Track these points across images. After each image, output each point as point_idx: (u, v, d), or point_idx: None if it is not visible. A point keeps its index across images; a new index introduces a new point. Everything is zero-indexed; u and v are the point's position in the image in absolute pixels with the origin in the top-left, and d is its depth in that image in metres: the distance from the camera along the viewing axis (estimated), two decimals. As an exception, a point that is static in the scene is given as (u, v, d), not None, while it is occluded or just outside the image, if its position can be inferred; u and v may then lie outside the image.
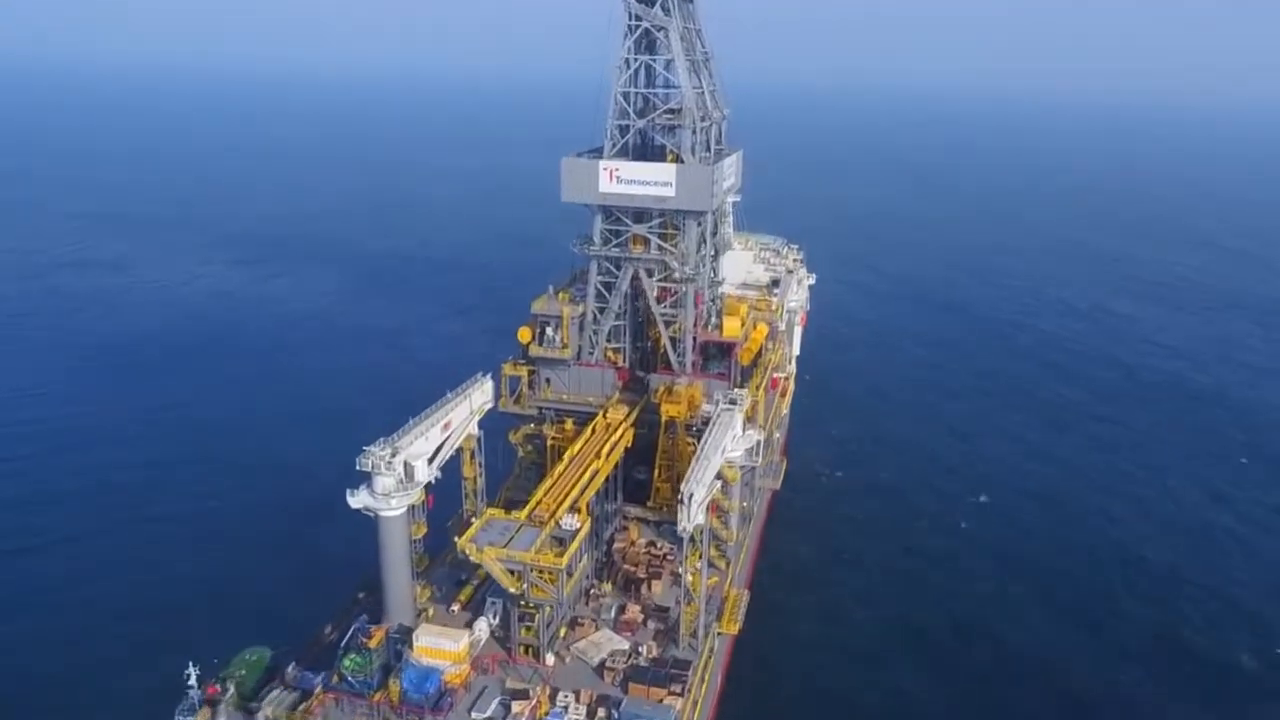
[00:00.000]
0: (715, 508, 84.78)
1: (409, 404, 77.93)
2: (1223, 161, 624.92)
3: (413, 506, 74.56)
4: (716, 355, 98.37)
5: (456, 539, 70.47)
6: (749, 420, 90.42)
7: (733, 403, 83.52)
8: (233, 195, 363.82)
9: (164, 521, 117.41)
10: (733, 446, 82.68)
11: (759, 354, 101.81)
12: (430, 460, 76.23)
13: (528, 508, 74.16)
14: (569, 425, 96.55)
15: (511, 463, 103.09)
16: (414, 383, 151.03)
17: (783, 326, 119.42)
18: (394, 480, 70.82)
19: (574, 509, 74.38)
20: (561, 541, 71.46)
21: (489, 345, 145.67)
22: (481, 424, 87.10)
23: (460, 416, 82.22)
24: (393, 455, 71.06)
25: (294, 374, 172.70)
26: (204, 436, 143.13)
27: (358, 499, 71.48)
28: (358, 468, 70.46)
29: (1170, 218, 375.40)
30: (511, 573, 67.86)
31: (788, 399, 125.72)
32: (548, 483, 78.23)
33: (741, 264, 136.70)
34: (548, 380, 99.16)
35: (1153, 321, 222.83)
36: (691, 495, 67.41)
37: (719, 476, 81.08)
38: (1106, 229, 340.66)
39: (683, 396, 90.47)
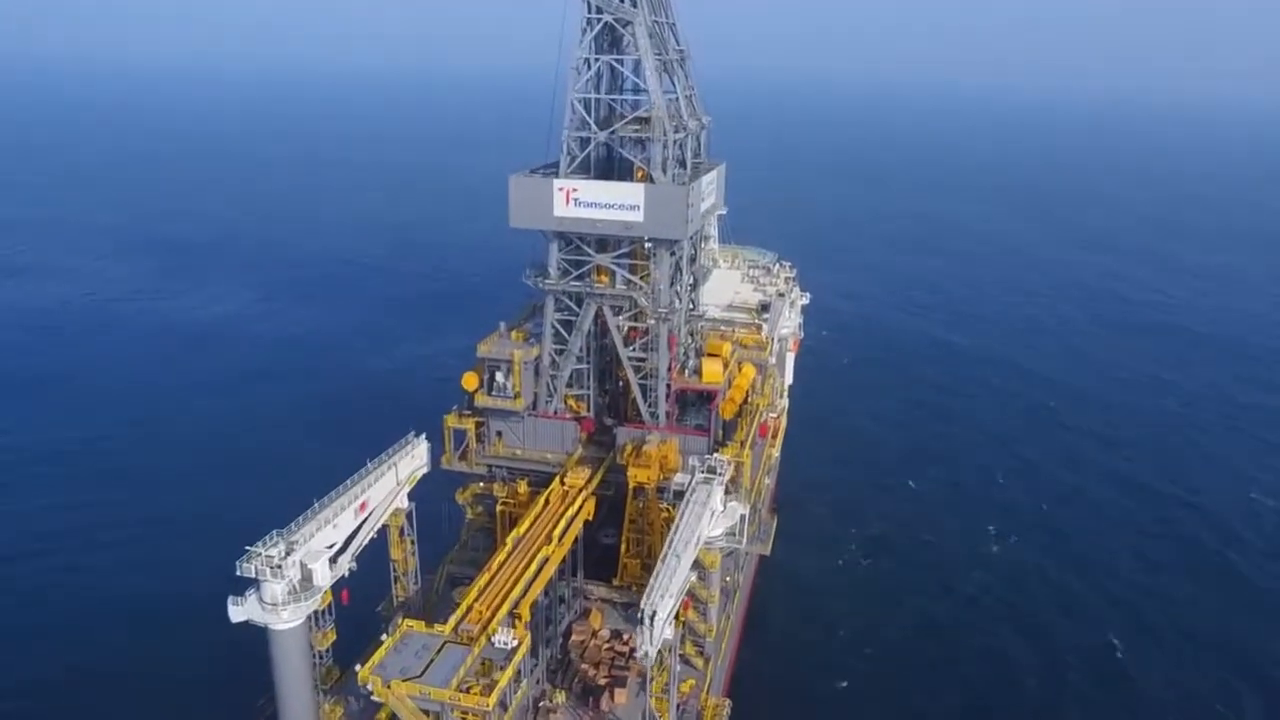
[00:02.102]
0: (691, 600, 70.94)
1: (334, 452, 64.35)
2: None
3: (317, 612, 60.57)
4: (696, 403, 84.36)
5: (358, 668, 56.28)
6: (732, 486, 76.59)
7: (711, 472, 69.58)
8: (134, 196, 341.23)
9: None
10: (712, 526, 68.88)
11: (746, 399, 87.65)
12: (338, 555, 62.42)
13: (453, 619, 59.99)
14: (523, 487, 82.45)
15: (460, 525, 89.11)
16: (345, 416, 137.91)
17: (773, 361, 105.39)
18: (286, 587, 56.74)
19: (512, 617, 60.29)
20: (497, 664, 57.45)
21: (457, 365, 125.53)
22: (424, 485, 73.58)
23: (382, 492, 68.16)
24: (286, 554, 57.04)
25: (198, 409, 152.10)
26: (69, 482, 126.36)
27: (241, 609, 57.35)
28: (239, 573, 56.33)
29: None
30: (428, 714, 53.78)
31: (779, 439, 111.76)
32: (483, 578, 64.08)
33: (728, 284, 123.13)
34: (499, 433, 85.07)
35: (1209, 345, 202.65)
36: (654, 614, 53.38)
37: (695, 564, 67.38)
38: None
39: (653, 458, 76.30)
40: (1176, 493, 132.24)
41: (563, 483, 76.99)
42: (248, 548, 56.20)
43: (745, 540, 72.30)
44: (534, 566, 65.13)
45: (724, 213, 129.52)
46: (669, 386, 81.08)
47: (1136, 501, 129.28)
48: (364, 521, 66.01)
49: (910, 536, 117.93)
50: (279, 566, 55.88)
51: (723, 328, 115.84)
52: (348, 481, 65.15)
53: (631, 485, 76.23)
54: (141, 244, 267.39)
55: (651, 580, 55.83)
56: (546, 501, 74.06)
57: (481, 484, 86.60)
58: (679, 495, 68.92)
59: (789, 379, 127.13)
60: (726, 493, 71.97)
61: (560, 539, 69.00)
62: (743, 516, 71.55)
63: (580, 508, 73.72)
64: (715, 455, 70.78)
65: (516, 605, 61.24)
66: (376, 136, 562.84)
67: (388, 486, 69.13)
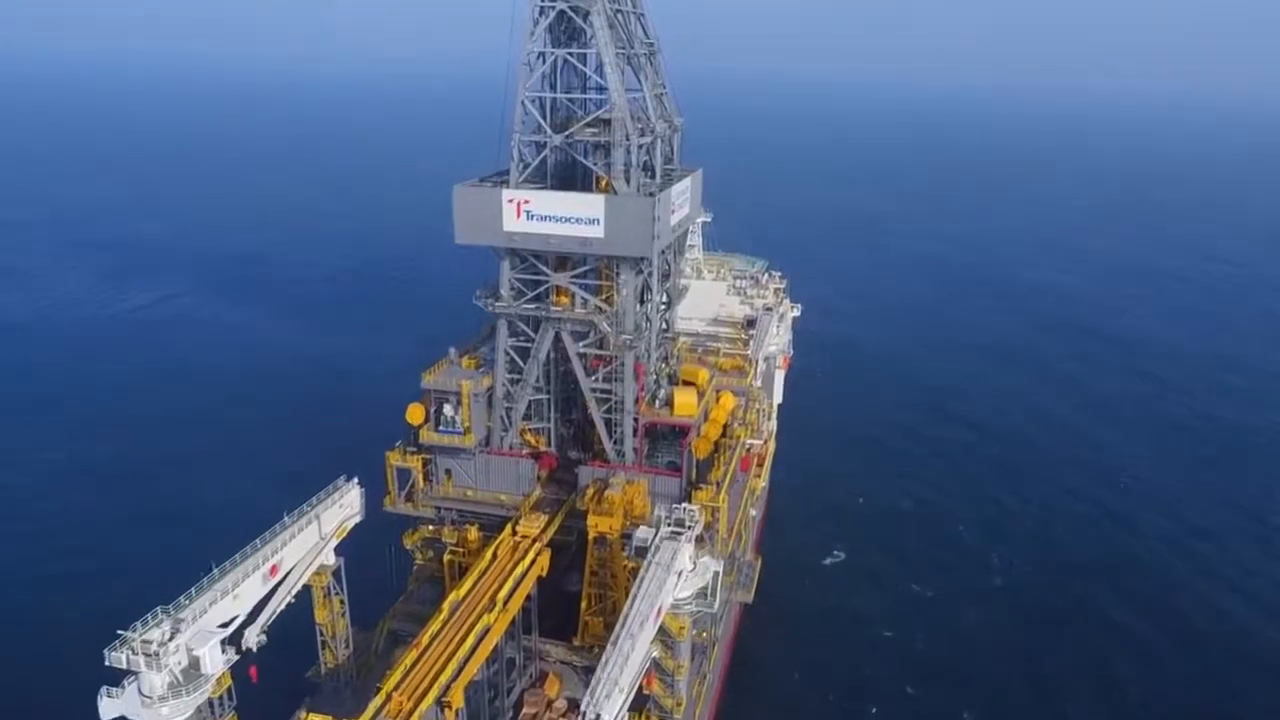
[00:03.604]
0: (655, 672, 62.15)
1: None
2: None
3: (211, 700, 51.67)
4: (668, 436, 75.52)
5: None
6: (706, 534, 67.87)
7: (679, 525, 60.78)
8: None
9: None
10: (679, 587, 60.14)
11: (725, 432, 78.67)
12: (244, 627, 53.63)
13: (371, 707, 51.15)
14: (473, 533, 73.66)
15: (407, 572, 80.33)
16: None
17: (758, 384, 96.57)
18: (167, 678, 47.85)
19: (440, 707, 51.47)
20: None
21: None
22: (367, 525, 64.92)
23: (301, 550, 59.22)
24: (171, 636, 48.16)
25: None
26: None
27: (116, 703, 48.39)
28: (108, 662, 47.43)
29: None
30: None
31: (765, 469, 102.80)
32: (410, 655, 55.25)
33: (713, 297, 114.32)
34: (448, 472, 76.24)
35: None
36: (599, 717, 44.50)
37: (661, 632, 58.73)
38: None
39: (616, 504, 67.46)
40: (1186, 518, 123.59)
41: (514, 532, 68.18)
42: (121, 632, 47.36)
43: (720, 601, 63.51)
44: (471, 639, 56.34)
45: (709, 219, 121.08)
46: (636, 420, 72.22)
47: (1150, 537, 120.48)
48: (277, 586, 57.22)
49: (912, 568, 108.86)
50: (156, 654, 46.99)
51: (708, 343, 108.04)
52: (257, 541, 56.28)
53: (591, 535, 67.40)
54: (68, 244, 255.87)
55: (598, 671, 46.99)
56: (494, 555, 65.16)
57: (431, 527, 77.95)
58: (641, 552, 60.09)
59: (778, 398, 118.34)
60: (700, 542, 63.47)
61: (506, 603, 60.12)
62: (716, 574, 62.84)
63: (533, 562, 64.87)
64: (684, 506, 61.83)
65: (447, 691, 52.40)
66: (326, 137, 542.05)
67: (308, 542, 60.17)
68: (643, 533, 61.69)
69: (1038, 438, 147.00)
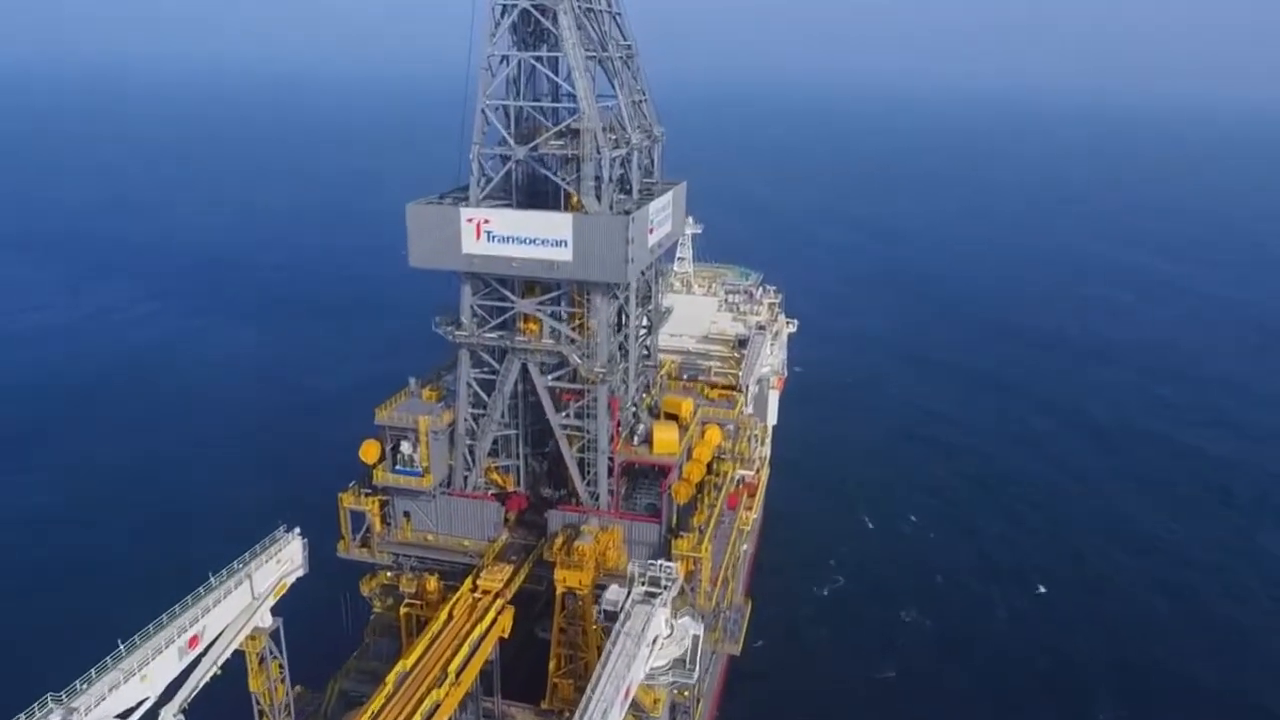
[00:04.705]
0: (627, 751, 55.46)
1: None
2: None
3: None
4: (649, 474, 69.02)
5: None
6: (688, 584, 61.46)
7: (654, 585, 54.30)
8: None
9: None
10: (654, 655, 53.65)
11: (711, 468, 72.04)
12: (156, 711, 47.23)
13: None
14: (432, 583, 67.10)
15: (364, 622, 73.81)
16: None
17: (749, 411, 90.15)
18: (52, 781, 41.40)
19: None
20: None
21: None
22: (320, 571, 58.91)
23: (227, 615, 52.78)
24: (60, 730, 41.77)
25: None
26: None
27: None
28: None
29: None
30: None
31: (758, 499, 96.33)
32: (348, 740, 48.76)
33: (703, 313, 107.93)
34: (406, 515, 69.67)
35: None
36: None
37: (633, 706, 52.22)
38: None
39: (587, 555, 60.88)
40: (1197, 538, 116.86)
41: (475, 586, 61.59)
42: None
43: (700, 669, 56.99)
44: (419, 718, 49.77)
45: (699, 230, 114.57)
46: (612, 460, 65.67)
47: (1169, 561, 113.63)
48: (198, 659, 50.79)
49: (915, 597, 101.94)
50: (40, 755, 40.56)
51: (698, 362, 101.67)
52: (176, 607, 49.87)
53: (559, 591, 60.83)
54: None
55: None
56: (449, 616, 58.55)
57: (389, 573, 71.45)
58: (611, 616, 53.59)
59: (772, 420, 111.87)
60: (681, 595, 57.09)
61: (459, 675, 53.55)
62: (697, 638, 56.36)
63: (493, 626, 58.28)
64: (660, 563, 55.30)
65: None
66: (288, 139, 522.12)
67: (239, 604, 53.79)
68: (613, 593, 55.17)
69: (1058, 465, 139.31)
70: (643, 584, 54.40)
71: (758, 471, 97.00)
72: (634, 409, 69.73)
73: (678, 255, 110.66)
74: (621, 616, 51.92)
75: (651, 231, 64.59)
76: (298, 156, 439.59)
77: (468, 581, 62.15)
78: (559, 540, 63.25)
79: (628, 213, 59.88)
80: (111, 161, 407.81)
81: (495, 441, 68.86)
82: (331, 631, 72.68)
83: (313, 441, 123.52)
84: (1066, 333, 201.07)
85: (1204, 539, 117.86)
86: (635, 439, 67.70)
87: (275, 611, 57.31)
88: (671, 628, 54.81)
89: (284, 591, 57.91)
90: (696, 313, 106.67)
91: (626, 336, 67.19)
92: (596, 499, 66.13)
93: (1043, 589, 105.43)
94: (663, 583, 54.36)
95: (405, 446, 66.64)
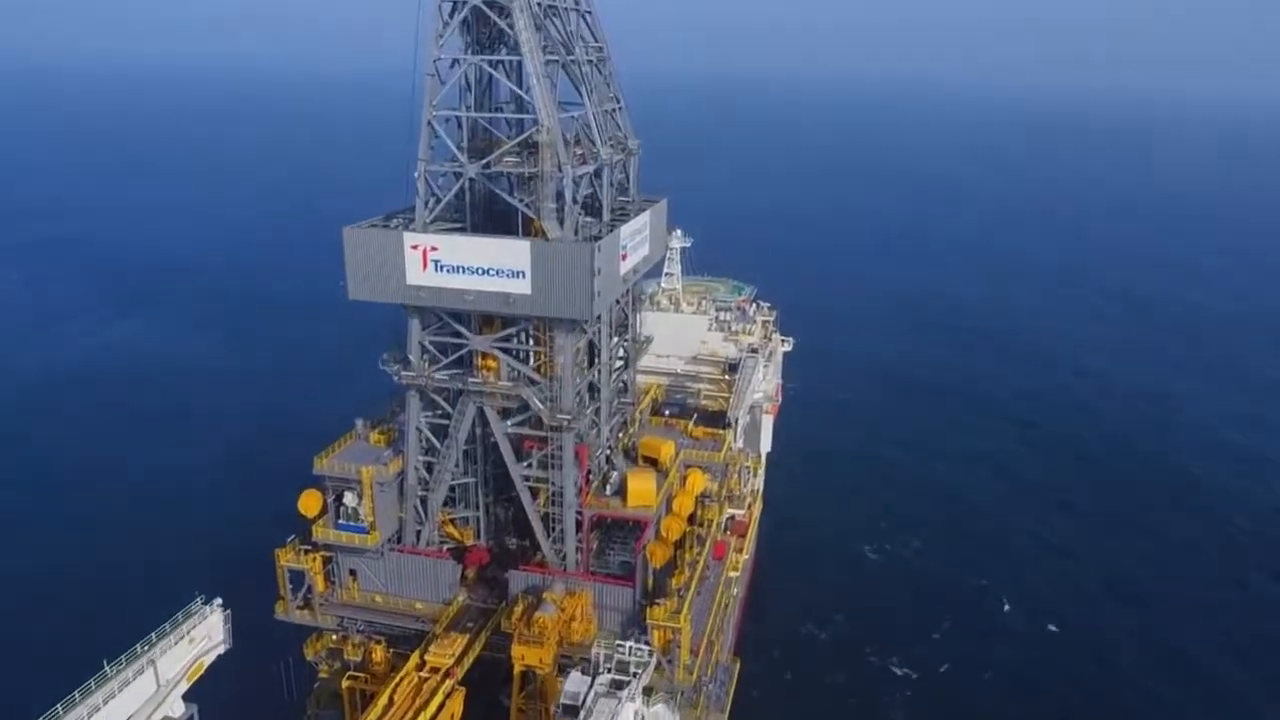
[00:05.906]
0: None
1: None
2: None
3: None
4: (623, 528, 61.63)
5: None
6: (664, 660, 53.97)
7: (622, 673, 46.89)
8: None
9: None
10: (622, 755, 46.23)
11: (693, 518, 64.65)
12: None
13: None
14: (379, 652, 59.81)
15: (306, 689, 66.43)
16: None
17: (739, 445, 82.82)
18: None
19: None
20: None
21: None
22: (260, 633, 51.76)
23: (125, 709, 45.43)
24: None
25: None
26: None
27: None
28: None
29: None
30: None
31: (749, 537, 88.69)
32: None
33: (693, 333, 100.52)
34: (352, 573, 62.32)
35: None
36: None
37: (595, 816, 44.79)
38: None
39: (549, 629, 53.37)
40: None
41: (422, 662, 54.16)
42: None
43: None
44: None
45: (688, 244, 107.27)
46: (580, 515, 58.29)
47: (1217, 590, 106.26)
48: (86, 766, 43.40)
49: (921, 634, 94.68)
50: None
51: (687, 384, 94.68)
52: (59, 707, 42.53)
53: (517, 670, 53.44)
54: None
55: None
56: (389, 702, 51.10)
57: (335, 635, 64.08)
58: (571, 711, 46.20)
59: (765, 448, 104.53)
60: (657, 671, 49.75)
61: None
62: (673, 730, 48.99)
63: (441, 710, 50.85)
64: (630, 645, 47.93)
65: None
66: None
67: (140, 696, 46.47)
68: (574, 683, 47.82)
69: (1069, 495, 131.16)
70: (609, 670, 47.01)
71: (749, 507, 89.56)
72: (608, 452, 62.40)
73: (665, 271, 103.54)
74: (583, 714, 44.54)
75: (624, 258, 57.24)
76: (259, 158, 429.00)
77: (414, 657, 54.76)
78: (519, 609, 55.77)
79: (595, 238, 52.50)
80: (49, 162, 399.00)
81: (452, 489, 61.56)
82: (268, 705, 65.27)
83: (249, 484, 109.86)
84: (1080, 356, 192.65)
85: (1233, 579, 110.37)
86: (608, 488, 60.37)
87: (189, 697, 50.16)
88: (643, 718, 47.44)
89: (201, 673, 50.67)
90: (685, 332, 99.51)
91: (598, 373, 59.89)
92: (563, 558, 58.74)
93: (1053, 627, 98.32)
94: (631, 669, 46.96)
95: (349, 498, 59.28)
